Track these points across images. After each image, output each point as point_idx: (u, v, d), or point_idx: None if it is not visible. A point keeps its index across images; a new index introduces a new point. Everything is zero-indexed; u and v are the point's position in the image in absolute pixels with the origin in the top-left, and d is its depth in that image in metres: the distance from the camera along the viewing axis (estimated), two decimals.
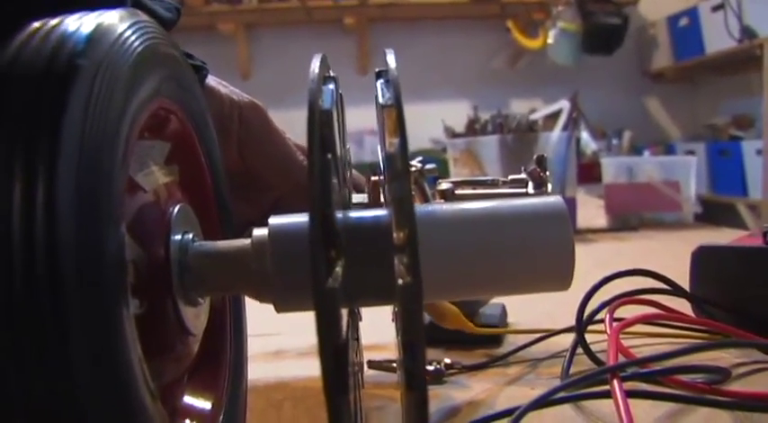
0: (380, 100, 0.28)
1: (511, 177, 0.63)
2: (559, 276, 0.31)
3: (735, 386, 0.45)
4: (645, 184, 1.27)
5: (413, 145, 3.35)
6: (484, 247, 0.31)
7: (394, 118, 0.26)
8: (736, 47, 3.03)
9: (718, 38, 3.16)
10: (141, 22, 0.32)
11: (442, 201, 0.62)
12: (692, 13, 3.38)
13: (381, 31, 3.77)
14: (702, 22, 3.30)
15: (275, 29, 3.77)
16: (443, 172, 1.65)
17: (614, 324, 0.51)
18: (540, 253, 0.31)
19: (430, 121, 2.82)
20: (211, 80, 0.54)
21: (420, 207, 0.32)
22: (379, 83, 0.30)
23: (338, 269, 0.28)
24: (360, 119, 3.78)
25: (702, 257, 0.60)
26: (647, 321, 0.55)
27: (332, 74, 0.31)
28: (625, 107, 3.78)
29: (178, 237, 0.34)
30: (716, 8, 3.16)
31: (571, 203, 1.28)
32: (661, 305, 0.56)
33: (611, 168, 1.31)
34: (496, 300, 0.67)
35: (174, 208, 0.35)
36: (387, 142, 0.26)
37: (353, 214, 0.31)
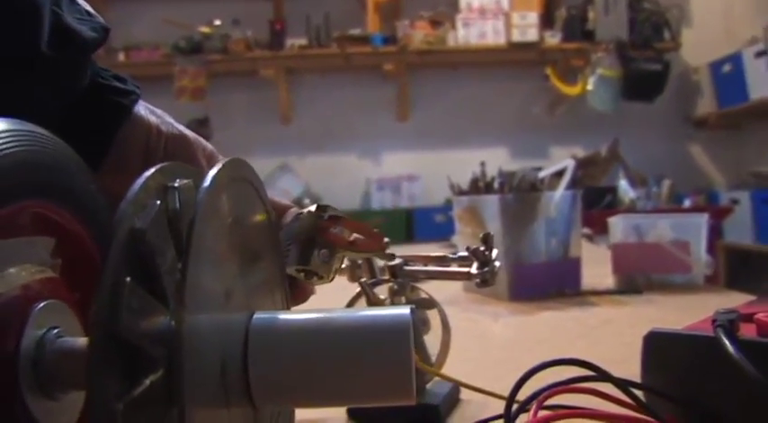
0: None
1: (459, 254, 0.62)
2: (398, 390, 0.31)
3: None
4: (653, 245, 1.24)
5: (445, 192, 3.33)
6: (318, 358, 0.30)
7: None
8: None
9: (762, 84, 3.10)
10: (9, 131, 0.34)
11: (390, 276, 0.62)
12: (736, 60, 3.32)
13: (420, 77, 3.80)
14: (746, 69, 3.24)
15: (316, 75, 3.84)
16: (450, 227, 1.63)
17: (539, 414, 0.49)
18: (377, 367, 0.30)
19: (466, 168, 2.80)
20: (141, 108, 0.53)
21: (260, 315, 0.32)
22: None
23: (148, 380, 0.28)
24: (398, 165, 3.82)
25: (652, 343, 0.58)
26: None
27: (176, 184, 0.31)
28: (666, 154, 3.72)
29: (38, 332, 0.35)
30: (759, 54, 3.11)
31: (575, 264, 1.25)
32: (599, 392, 0.54)
33: (620, 227, 1.28)
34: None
35: (39, 304, 0.36)
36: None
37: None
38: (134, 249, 0.28)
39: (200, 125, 3.64)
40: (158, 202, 0.30)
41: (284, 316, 0.32)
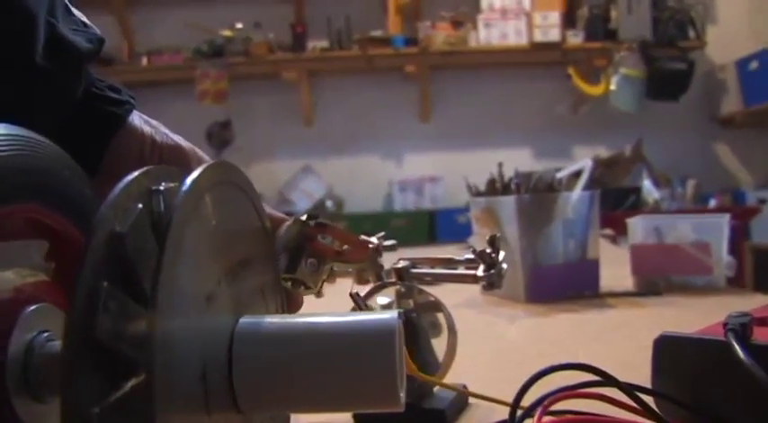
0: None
1: (465, 257, 0.62)
2: (385, 396, 0.30)
3: None
4: (673, 246, 1.22)
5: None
6: (304, 363, 0.30)
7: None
8: None
9: None
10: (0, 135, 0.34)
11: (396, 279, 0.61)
12: (763, 57, 3.27)
13: (442, 78, 3.79)
14: None
15: (338, 77, 3.84)
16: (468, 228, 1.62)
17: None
18: (364, 372, 0.30)
19: (489, 169, 2.77)
20: (136, 118, 0.53)
21: (247, 319, 0.32)
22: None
23: (129, 384, 0.27)
24: (420, 167, 3.80)
25: (663, 347, 0.57)
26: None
27: (161, 187, 0.31)
28: (692, 154, 3.67)
29: (27, 335, 0.35)
30: None
31: (593, 266, 1.23)
32: (606, 397, 0.53)
33: (639, 228, 1.26)
34: (458, 380, 0.65)
35: (29, 307, 0.35)
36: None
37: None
38: (114, 253, 0.27)
39: (223, 128, 3.66)
40: (140, 205, 0.30)
41: (271, 320, 0.32)
